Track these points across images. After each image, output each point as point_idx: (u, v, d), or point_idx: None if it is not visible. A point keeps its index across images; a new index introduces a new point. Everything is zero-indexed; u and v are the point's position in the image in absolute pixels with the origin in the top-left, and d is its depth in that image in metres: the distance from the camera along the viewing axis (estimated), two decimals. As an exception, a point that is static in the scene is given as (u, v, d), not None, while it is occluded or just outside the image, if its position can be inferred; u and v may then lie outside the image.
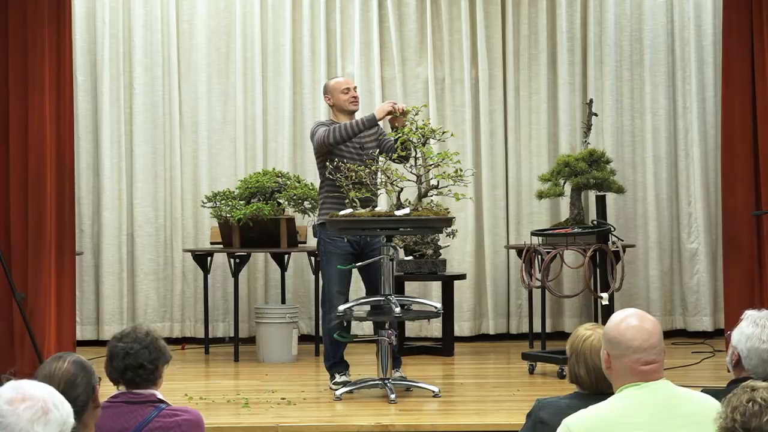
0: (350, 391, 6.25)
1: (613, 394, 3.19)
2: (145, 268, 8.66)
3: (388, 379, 6.16)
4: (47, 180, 6.86)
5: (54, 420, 2.43)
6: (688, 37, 8.71)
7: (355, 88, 6.77)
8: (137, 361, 3.59)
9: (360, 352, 7.53)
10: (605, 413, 3.06)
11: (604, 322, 4.26)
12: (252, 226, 7.67)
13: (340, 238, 6.51)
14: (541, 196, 7.87)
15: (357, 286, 7.24)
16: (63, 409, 2.48)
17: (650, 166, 8.70)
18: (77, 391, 2.56)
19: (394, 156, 6.36)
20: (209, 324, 8.29)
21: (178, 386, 6.53)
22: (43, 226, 6.82)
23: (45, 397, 2.46)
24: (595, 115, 8.01)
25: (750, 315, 3.65)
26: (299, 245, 8.00)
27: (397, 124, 6.41)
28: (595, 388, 3.44)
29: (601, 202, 7.17)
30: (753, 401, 2.62)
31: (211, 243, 8.28)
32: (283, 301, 8.33)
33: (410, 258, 7.90)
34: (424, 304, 6.62)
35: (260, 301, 8.57)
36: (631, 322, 3.12)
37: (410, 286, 8.36)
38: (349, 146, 6.55)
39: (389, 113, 6.43)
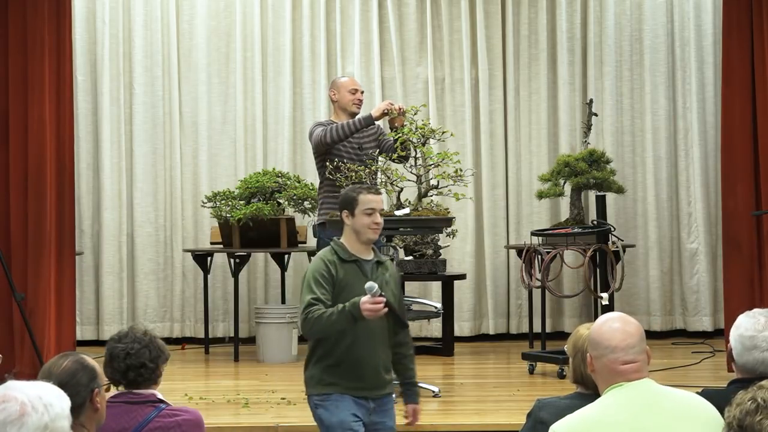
0: (350, 391, 6.23)
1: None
2: (145, 268, 8.65)
3: (388, 379, 6.13)
4: (47, 180, 6.85)
5: (31, 423, 2.40)
6: (688, 37, 8.70)
7: (362, 92, 6.81)
8: (139, 361, 3.58)
9: (360, 352, 7.52)
10: (590, 415, 3.09)
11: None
12: (252, 226, 7.67)
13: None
14: (541, 196, 7.87)
15: (357, 286, 7.22)
16: (48, 412, 2.43)
17: (650, 166, 8.70)
18: (73, 389, 2.53)
19: (394, 156, 6.35)
20: (209, 324, 8.29)
21: (178, 386, 6.52)
22: (43, 226, 6.82)
23: (26, 400, 2.42)
24: (595, 115, 8.00)
25: (753, 311, 3.61)
26: (299, 245, 7.99)
27: (396, 124, 6.41)
28: None
29: (601, 202, 7.17)
30: (753, 400, 2.64)
31: (211, 243, 8.28)
32: (283, 301, 8.33)
33: (410, 258, 7.89)
34: (424, 304, 6.62)
35: (260, 301, 8.57)
36: (612, 324, 3.20)
37: (410, 286, 8.35)
38: (348, 146, 6.56)
39: (385, 112, 6.43)
